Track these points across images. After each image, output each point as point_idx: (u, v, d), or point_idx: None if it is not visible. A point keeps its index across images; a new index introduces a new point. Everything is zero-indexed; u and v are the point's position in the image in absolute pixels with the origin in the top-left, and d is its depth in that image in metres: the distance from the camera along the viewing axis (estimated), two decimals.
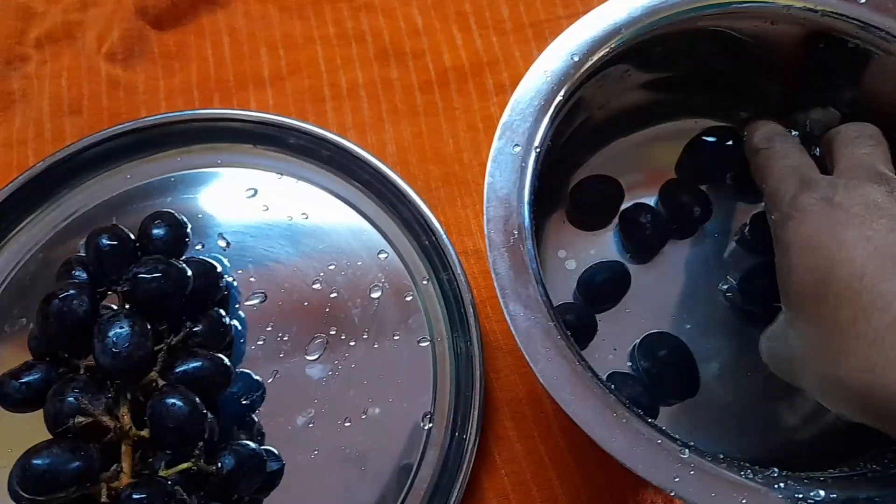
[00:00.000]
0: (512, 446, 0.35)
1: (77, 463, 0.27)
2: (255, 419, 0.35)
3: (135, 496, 0.27)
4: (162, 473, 0.29)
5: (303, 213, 0.39)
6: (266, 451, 0.34)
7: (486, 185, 0.29)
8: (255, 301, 0.37)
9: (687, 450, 0.25)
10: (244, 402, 0.36)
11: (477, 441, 0.34)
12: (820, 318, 0.25)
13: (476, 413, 0.34)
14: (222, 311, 0.35)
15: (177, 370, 0.32)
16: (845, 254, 0.25)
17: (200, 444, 0.30)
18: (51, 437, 0.29)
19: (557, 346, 0.26)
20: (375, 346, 0.37)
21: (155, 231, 0.34)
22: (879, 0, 0.31)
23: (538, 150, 0.29)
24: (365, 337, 0.37)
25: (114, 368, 0.30)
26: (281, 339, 0.37)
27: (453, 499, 0.33)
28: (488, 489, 0.35)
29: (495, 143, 0.29)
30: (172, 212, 0.36)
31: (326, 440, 0.35)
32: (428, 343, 0.37)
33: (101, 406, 0.29)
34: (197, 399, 0.30)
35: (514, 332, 0.27)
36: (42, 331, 0.30)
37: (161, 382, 0.31)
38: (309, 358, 0.36)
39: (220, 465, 0.31)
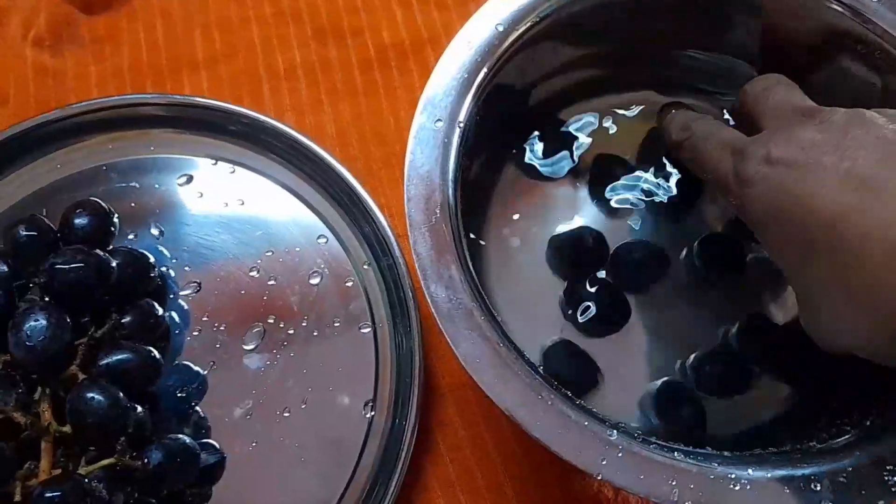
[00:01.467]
0: (456, 433, 0.35)
1: None
2: (198, 411, 0.34)
3: (47, 494, 0.26)
4: (81, 470, 0.28)
5: (239, 200, 0.38)
6: (204, 443, 0.33)
7: (406, 163, 0.28)
8: (190, 291, 0.36)
9: (615, 431, 0.24)
10: (181, 395, 0.35)
11: (416, 427, 0.33)
12: (825, 277, 0.23)
13: (415, 399, 0.33)
14: (154, 303, 0.34)
15: (100, 363, 0.31)
16: (810, 208, 0.23)
17: (123, 438, 0.29)
18: None
19: (480, 329, 0.25)
20: (315, 333, 0.36)
21: (77, 220, 0.33)
22: None
23: (462, 125, 0.28)
24: (304, 325, 0.36)
25: (29, 362, 0.29)
26: (217, 329, 0.36)
27: (393, 486, 0.32)
28: (432, 477, 0.34)
29: (416, 119, 0.28)
30: (97, 200, 0.34)
31: (265, 431, 0.34)
32: (369, 329, 0.36)
33: (12, 402, 0.28)
34: (119, 392, 0.29)
35: (434, 314, 0.26)
36: None
37: (82, 376, 0.30)
38: (246, 348, 0.35)
39: (146, 460, 0.30)
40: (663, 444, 0.24)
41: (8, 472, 0.27)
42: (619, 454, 0.24)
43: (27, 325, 0.29)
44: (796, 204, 0.23)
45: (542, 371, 0.26)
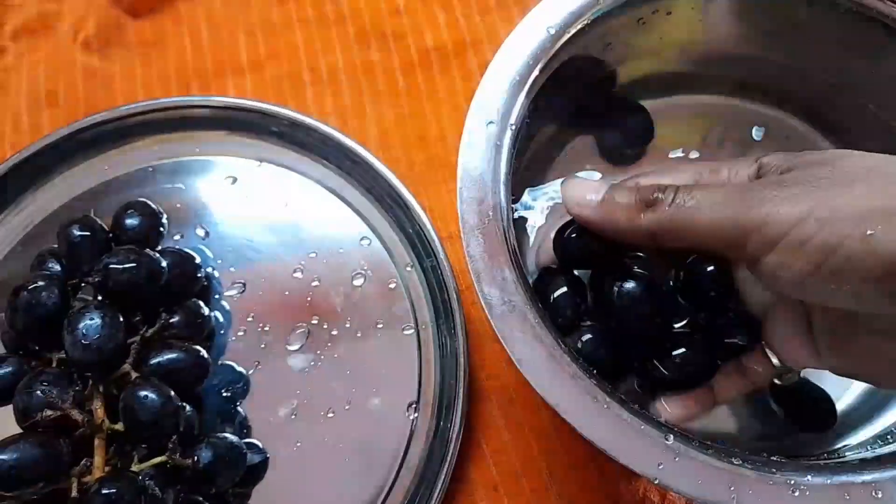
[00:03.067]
0: (500, 435, 0.34)
1: (44, 458, 0.27)
2: (241, 411, 0.35)
3: (103, 491, 0.27)
4: (135, 468, 0.29)
5: (283, 201, 0.38)
6: (248, 443, 0.33)
7: (459, 165, 0.27)
8: (235, 291, 0.37)
9: (672, 436, 0.24)
10: (226, 395, 0.35)
11: (461, 430, 0.33)
12: None
13: (460, 402, 0.33)
14: (201, 303, 0.35)
15: (151, 362, 0.31)
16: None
17: (175, 437, 0.29)
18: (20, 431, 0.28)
19: (534, 331, 0.25)
20: (358, 335, 0.36)
21: (128, 221, 0.34)
22: None
23: (514, 127, 0.28)
24: (347, 326, 0.36)
25: (84, 361, 0.29)
26: (262, 329, 0.36)
27: (438, 488, 0.32)
28: (476, 479, 0.34)
29: (468, 122, 0.28)
30: (146, 201, 0.35)
31: (310, 432, 0.34)
32: (412, 331, 0.36)
33: (69, 399, 0.28)
34: (171, 391, 0.30)
35: (489, 315, 0.25)
36: (11, 324, 0.30)
37: (135, 375, 0.30)
38: (291, 348, 0.36)
39: (196, 458, 0.30)
40: (722, 448, 0.24)
41: (65, 468, 0.28)
42: (677, 458, 0.24)
43: (83, 324, 0.29)
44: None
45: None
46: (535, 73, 0.29)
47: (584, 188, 0.27)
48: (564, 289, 0.29)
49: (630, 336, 0.29)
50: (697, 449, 0.24)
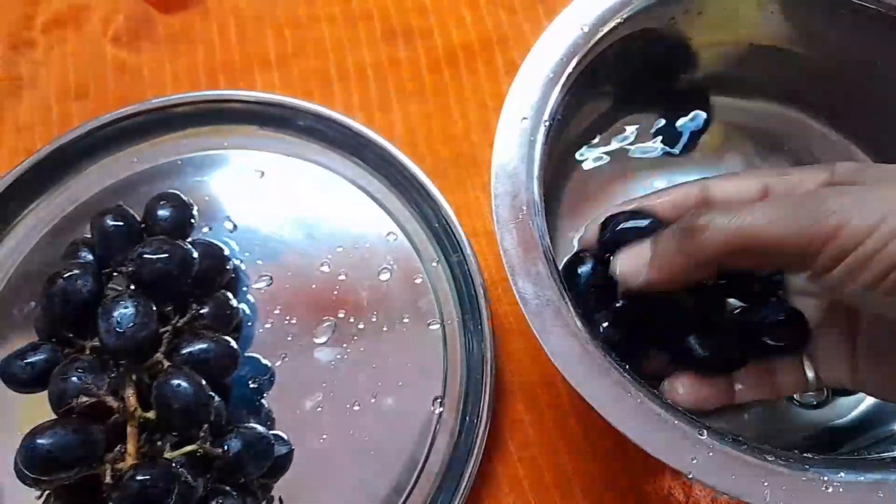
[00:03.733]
0: (525, 430, 0.35)
1: (80, 443, 0.27)
2: (265, 403, 0.35)
3: (138, 477, 0.27)
4: (167, 455, 0.29)
5: (310, 196, 0.39)
6: (274, 435, 0.34)
7: (493, 160, 0.28)
8: (262, 284, 0.37)
9: (706, 431, 0.24)
10: (252, 386, 0.35)
11: (488, 426, 0.33)
12: None
13: (487, 397, 0.33)
14: (229, 294, 0.35)
15: (182, 352, 0.31)
16: None
17: (206, 426, 0.29)
18: (55, 417, 0.28)
19: (568, 325, 0.26)
20: (384, 329, 0.36)
21: (160, 212, 0.34)
22: None
23: (548, 123, 0.28)
24: (374, 320, 0.36)
25: (118, 348, 0.29)
26: (289, 322, 0.36)
27: (464, 484, 0.32)
28: (500, 474, 0.34)
29: (503, 117, 0.28)
30: (178, 193, 0.35)
31: (335, 425, 0.34)
32: (438, 326, 0.36)
33: (105, 386, 0.28)
34: (202, 381, 0.30)
35: (523, 309, 0.26)
36: (47, 311, 0.30)
37: (167, 364, 0.30)
38: (317, 341, 0.36)
39: (226, 447, 0.30)
40: (754, 444, 0.24)
41: (99, 454, 0.28)
42: (710, 453, 0.24)
43: (117, 313, 0.29)
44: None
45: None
46: (569, 69, 0.29)
47: (632, 261, 0.26)
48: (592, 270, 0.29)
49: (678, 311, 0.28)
50: (731, 445, 0.24)
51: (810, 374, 0.28)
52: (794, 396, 0.32)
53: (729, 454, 0.24)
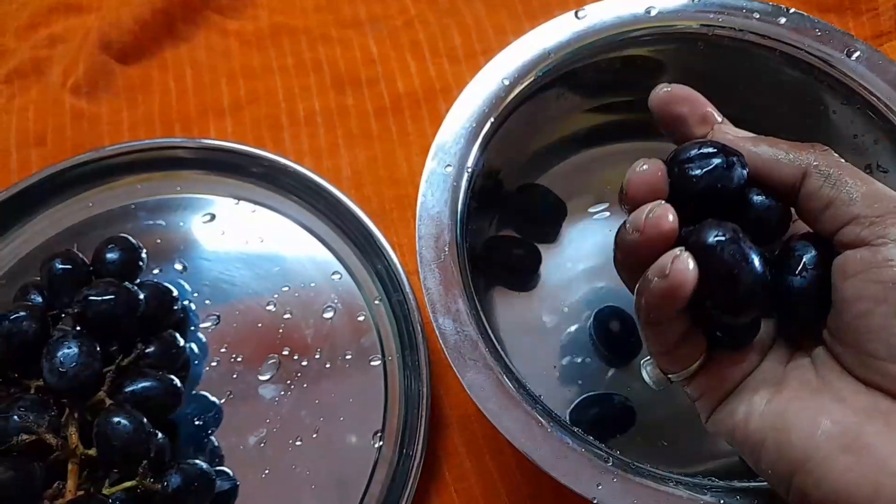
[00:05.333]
0: (461, 463, 0.36)
1: (18, 480, 0.28)
2: (213, 440, 0.36)
3: None
4: (105, 491, 0.30)
5: (259, 237, 0.40)
6: (218, 470, 0.35)
7: (418, 204, 0.30)
8: (210, 323, 0.38)
9: (611, 458, 0.26)
10: (198, 423, 0.36)
11: (423, 457, 0.34)
12: None
13: (422, 430, 0.34)
14: (176, 334, 0.36)
15: (126, 390, 0.32)
16: None
17: (145, 462, 0.30)
18: None
19: (484, 359, 0.27)
20: (328, 365, 0.37)
21: (108, 255, 0.35)
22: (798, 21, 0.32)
23: (470, 170, 0.30)
24: (317, 357, 0.37)
25: (61, 387, 0.30)
26: (235, 360, 0.37)
27: None
28: None
29: (428, 164, 0.30)
30: (126, 236, 0.37)
31: (278, 459, 0.35)
32: (379, 362, 0.37)
33: (45, 424, 0.29)
34: (143, 418, 0.31)
35: (442, 344, 0.27)
36: None
37: (109, 402, 0.32)
38: (262, 378, 0.37)
39: (165, 483, 0.31)
40: (656, 472, 0.26)
41: (37, 490, 0.29)
42: (615, 480, 0.25)
43: (60, 353, 0.31)
44: None
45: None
46: (490, 120, 0.31)
47: None
48: None
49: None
50: (633, 472, 0.26)
51: None
52: None
53: (632, 480, 0.25)
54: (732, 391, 0.24)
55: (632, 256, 0.23)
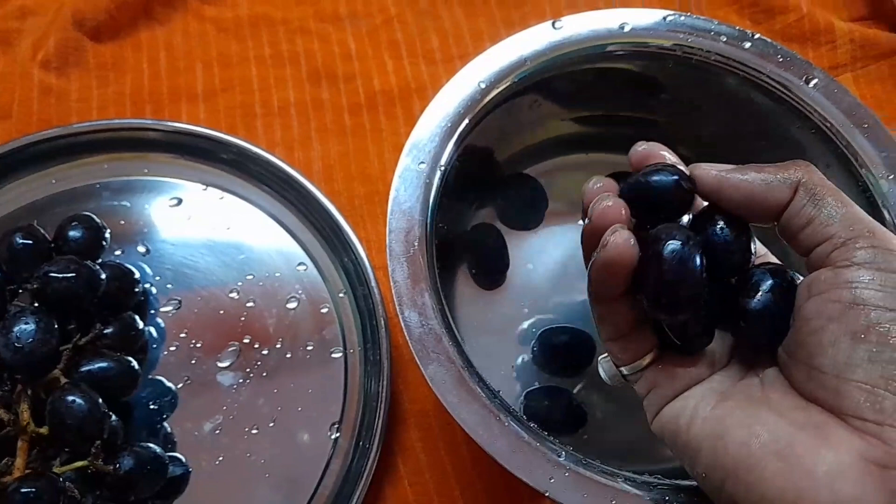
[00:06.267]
0: (417, 457, 0.36)
1: None
2: (166, 425, 0.36)
3: (22, 489, 0.27)
4: (56, 470, 0.29)
5: (226, 225, 0.40)
6: (171, 456, 0.34)
7: (390, 199, 0.30)
8: (171, 308, 0.38)
9: (564, 453, 0.27)
10: (153, 408, 0.36)
11: (379, 451, 0.34)
12: None
13: (380, 424, 0.35)
14: (136, 316, 0.36)
15: (82, 369, 0.32)
16: None
17: (98, 443, 0.30)
18: None
19: (447, 353, 0.28)
20: (288, 355, 0.37)
21: (71, 233, 0.35)
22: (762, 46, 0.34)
23: (443, 168, 0.31)
24: (278, 347, 0.38)
25: (15, 363, 0.30)
26: (194, 346, 0.37)
27: None
28: (390, 498, 0.35)
29: (402, 160, 0.31)
30: (90, 215, 0.36)
31: (233, 447, 0.35)
32: (341, 354, 0.38)
33: None
34: (98, 398, 0.31)
35: (407, 336, 0.28)
36: None
37: (64, 380, 0.31)
38: (221, 365, 0.37)
39: (117, 465, 0.31)
40: (606, 468, 0.27)
41: None
42: (566, 474, 0.26)
43: (17, 328, 0.30)
44: None
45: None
46: (465, 121, 0.32)
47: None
48: None
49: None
50: (585, 466, 0.26)
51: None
52: None
53: (582, 475, 0.26)
54: (679, 394, 0.25)
55: (585, 245, 0.25)
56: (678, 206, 0.24)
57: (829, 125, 0.33)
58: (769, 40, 0.34)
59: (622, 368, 0.26)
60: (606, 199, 0.24)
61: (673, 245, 0.22)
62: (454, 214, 0.35)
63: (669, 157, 0.26)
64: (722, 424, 0.23)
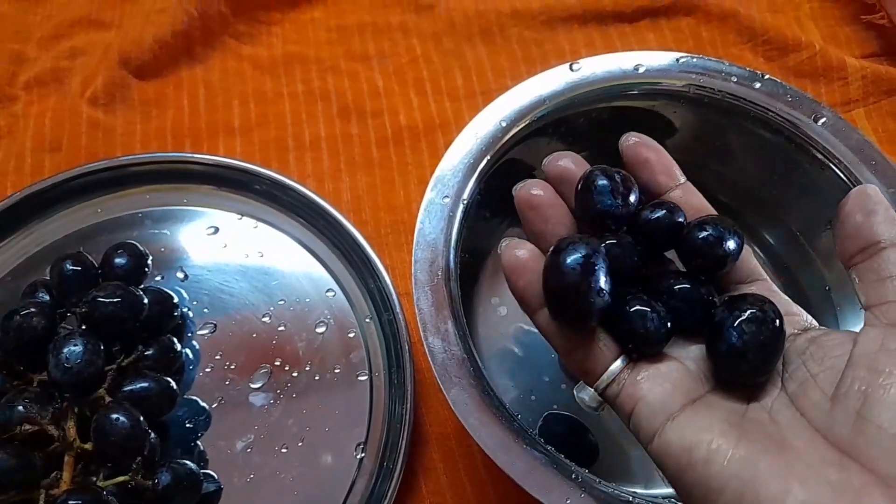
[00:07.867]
0: (438, 478, 0.38)
1: (19, 467, 0.29)
2: (199, 443, 0.37)
3: (70, 502, 0.29)
4: (99, 484, 0.31)
5: (259, 252, 0.42)
6: (204, 473, 0.36)
7: (416, 231, 0.32)
8: (206, 331, 0.40)
9: (580, 475, 0.28)
10: (189, 426, 0.38)
11: (402, 471, 0.36)
12: None
13: (404, 444, 0.36)
14: (175, 339, 0.38)
15: (125, 388, 0.34)
16: None
17: (139, 459, 0.32)
18: None
19: (469, 377, 0.29)
20: (317, 377, 0.39)
21: (117, 260, 0.37)
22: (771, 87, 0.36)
23: (466, 202, 0.33)
24: (307, 369, 0.39)
25: (64, 382, 0.32)
26: (228, 367, 0.39)
27: None
28: None
29: (427, 194, 0.33)
30: (135, 243, 0.38)
31: (263, 465, 0.37)
32: (366, 377, 0.39)
33: (48, 416, 0.31)
34: (140, 417, 0.33)
35: (431, 361, 0.29)
36: (1, 345, 0.33)
37: (108, 399, 0.33)
38: (253, 386, 0.39)
39: (156, 480, 0.33)
40: (622, 491, 0.28)
41: (35, 480, 0.30)
42: (582, 495, 0.27)
43: (66, 349, 0.32)
44: None
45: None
46: (487, 157, 0.34)
47: None
48: None
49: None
50: (601, 487, 0.28)
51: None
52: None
53: (598, 496, 0.27)
54: (675, 412, 0.24)
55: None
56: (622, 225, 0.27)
57: (837, 161, 0.34)
58: (779, 80, 0.36)
59: (597, 384, 0.25)
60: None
61: (573, 255, 0.23)
62: (485, 234, 0.36)
63: (664, 152, 0.28)
64: (751, 471, 0.22)
